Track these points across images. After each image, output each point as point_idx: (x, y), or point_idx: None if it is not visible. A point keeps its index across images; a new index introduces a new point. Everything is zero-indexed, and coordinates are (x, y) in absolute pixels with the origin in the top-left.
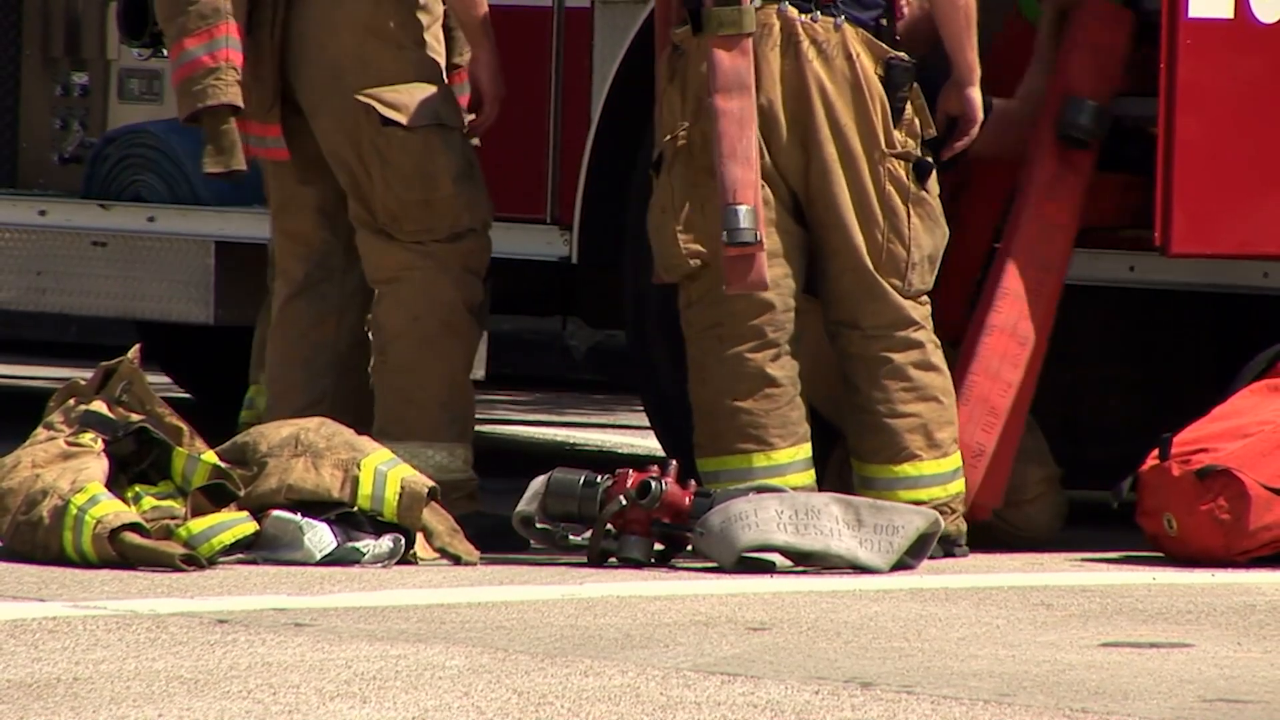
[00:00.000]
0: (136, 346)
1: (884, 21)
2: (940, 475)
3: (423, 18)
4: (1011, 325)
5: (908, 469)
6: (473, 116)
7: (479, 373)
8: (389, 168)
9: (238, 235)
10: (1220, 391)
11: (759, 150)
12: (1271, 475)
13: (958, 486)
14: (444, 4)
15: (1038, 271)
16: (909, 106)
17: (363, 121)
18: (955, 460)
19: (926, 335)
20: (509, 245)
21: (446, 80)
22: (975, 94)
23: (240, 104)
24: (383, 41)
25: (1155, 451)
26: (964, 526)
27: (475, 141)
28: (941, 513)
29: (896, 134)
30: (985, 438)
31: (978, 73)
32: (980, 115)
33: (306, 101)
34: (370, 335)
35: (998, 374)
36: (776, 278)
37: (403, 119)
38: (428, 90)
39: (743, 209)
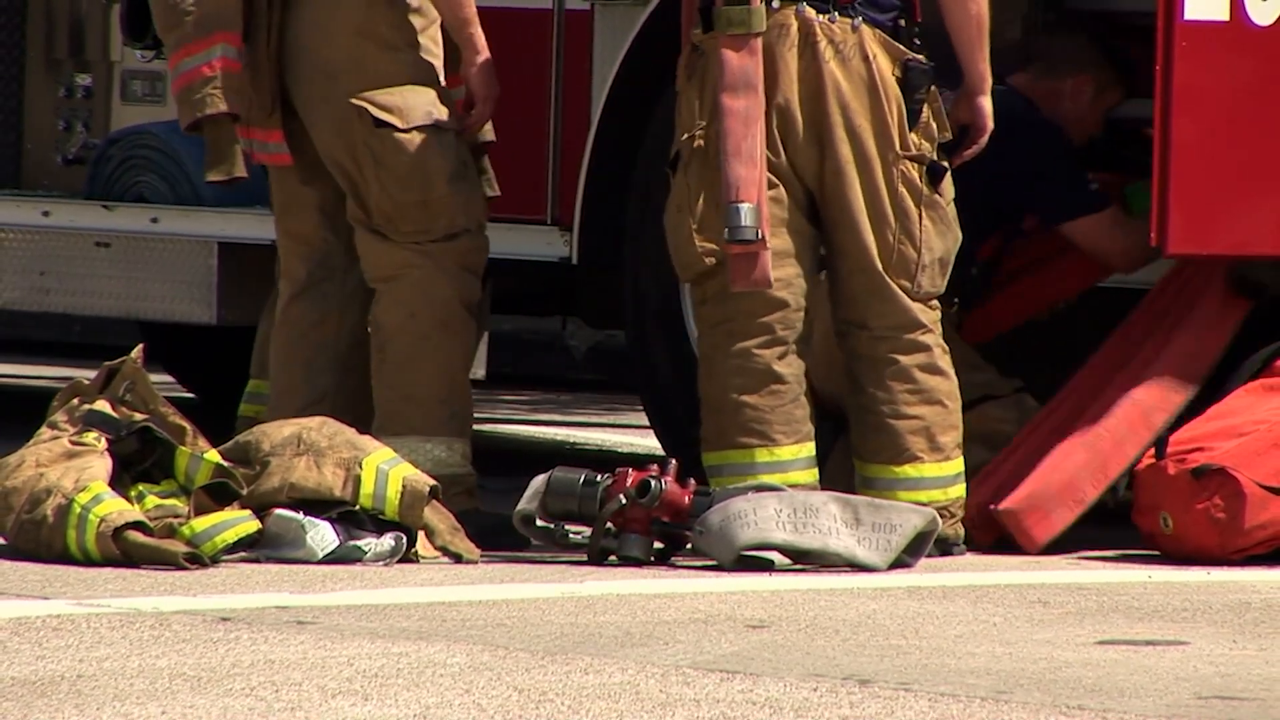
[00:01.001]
0: (140, 346)
1: (902, 23)
2: (941, 479)
3: (416, 20)
4: (1149, 408)
5: (909, 470)
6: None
7: (479, 372)
8: (383, 169)
9: (240, 236)
10: (1216, 391)
11: (777, 149)
12: (1267, 474)
13: (958, 491)
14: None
15: (1180, 380)
16: (925, 109)
17: (356, 124)
18: (957, 464)
19: (934, 339)
20: (509, 245)
21: (446, 82)
22: (986, 103)
23: (238, 111)
24: (376, 44)
25: (1151, 450)
26: (962, 531)
27: (490, 135)
28: (941, 516)
29: (911, 136)
30: (1092, 493)
31: (989, 82)
32: (990, 124)
33: (302, 105)
34: (370, 334)
35: (1122, 444)
36: (789, 277)
37: (396, 120)
38: (421, 92)
39: (745, 207)
